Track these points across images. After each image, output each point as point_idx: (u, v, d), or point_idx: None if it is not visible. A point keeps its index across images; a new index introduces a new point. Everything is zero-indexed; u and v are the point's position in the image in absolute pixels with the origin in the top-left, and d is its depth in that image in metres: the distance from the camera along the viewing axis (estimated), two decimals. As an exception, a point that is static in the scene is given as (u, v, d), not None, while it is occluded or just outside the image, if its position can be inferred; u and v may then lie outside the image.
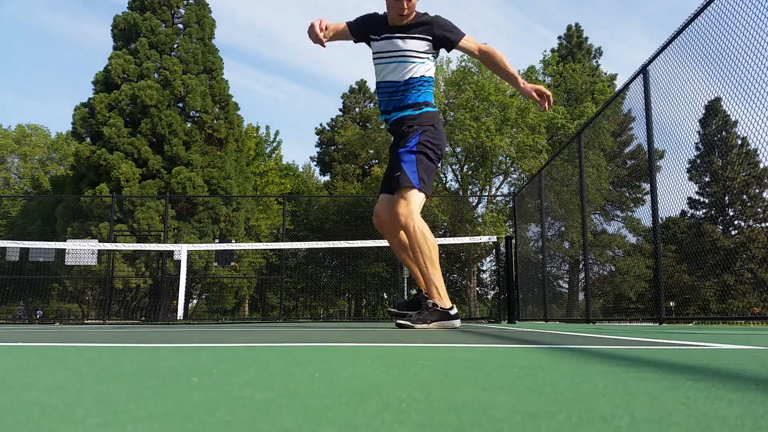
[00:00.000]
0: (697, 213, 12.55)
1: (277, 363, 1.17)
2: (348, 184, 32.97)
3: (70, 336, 2.74)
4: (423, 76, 3.70)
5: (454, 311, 3.65)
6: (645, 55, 6.89)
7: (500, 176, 27.08)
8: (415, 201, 3.53)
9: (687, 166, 7.10)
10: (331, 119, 39.59)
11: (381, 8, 3.78)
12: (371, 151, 30.36)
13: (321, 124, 39.85)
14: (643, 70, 6.63)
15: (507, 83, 26.45)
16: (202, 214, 21.04)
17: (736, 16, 4.98)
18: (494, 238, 9.20)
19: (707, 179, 10.54)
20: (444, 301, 3.63)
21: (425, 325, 3.50)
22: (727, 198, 11.33)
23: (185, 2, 23.29)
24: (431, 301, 3.62)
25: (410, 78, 3.66)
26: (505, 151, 24.37)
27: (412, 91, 3.68)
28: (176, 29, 22.78)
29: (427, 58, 3.72)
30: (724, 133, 7.71)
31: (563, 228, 11.94)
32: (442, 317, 3.57)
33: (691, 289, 7.23)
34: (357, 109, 38.32)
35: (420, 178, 3.54)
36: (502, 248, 9.12)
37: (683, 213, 9.19)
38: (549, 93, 3.62)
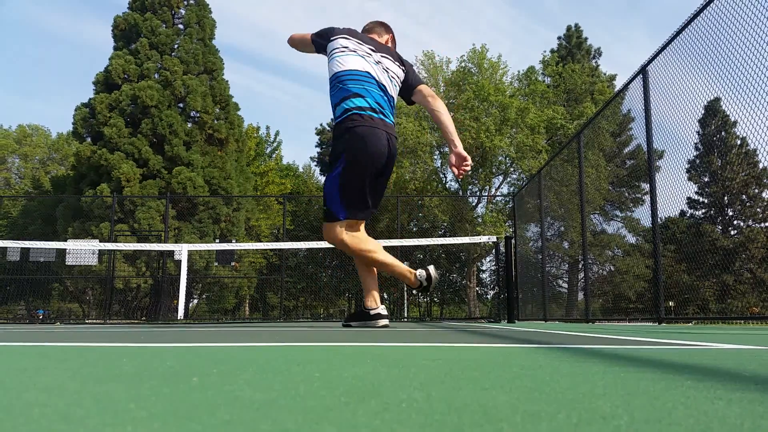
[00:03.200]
0: (697, 213, 12.55)
1: (277, 363, 1.17)
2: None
3: (70, 336, 2.74)
4: None
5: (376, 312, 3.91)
6: (646, 56, 6.89)
7: (500, 176, 27.09)
8: None
9: (686, 166, 7.10)
10: (332, 119, 39.57)
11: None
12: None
13: (321, 124, 39.86)
14: (643, 71, 6.63)
15: (507, 84, 26.37)
16: (202, 214, 21.04)
17: (735, 16, 4.98)
18: (494, 238, 9.20)
19: (707, 179, 10.54)
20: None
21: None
22: (726, 198, 11.33)
23: (185, 3, 23.29)
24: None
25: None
26: (504, 151, 24.37)
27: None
28: (176, 30, 22.78)
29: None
30: (723, 133, 7.71)
31: (563, 228, 11.93)
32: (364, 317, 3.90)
33: (691, 288, 7.23)
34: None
35: None
36: (501, 248, 9.12)
37: (682, 213, 9.20)
38: (468, 163, 3.64)
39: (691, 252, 7.48)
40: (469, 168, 3.64)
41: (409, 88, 3.78)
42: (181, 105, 22.10)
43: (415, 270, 3.80)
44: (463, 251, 24.90)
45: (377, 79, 3.63)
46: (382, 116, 3.56)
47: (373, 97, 3.57)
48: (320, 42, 3.81)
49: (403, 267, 3.81)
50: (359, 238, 3.68)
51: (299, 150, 71.43)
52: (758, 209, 11.90)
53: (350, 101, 3.54)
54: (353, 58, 3.65)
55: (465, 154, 3.62)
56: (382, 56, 3.74)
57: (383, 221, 24.79)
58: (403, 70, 3.80)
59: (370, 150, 3.44)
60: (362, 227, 3.78)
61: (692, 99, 5.86)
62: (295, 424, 0.52)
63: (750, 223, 12.58)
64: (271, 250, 19.67)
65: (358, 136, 3.45)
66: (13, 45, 68.65)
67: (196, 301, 23.40)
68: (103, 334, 2.92)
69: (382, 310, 3.87)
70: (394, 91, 3.74)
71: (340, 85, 3.60)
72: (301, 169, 39.29)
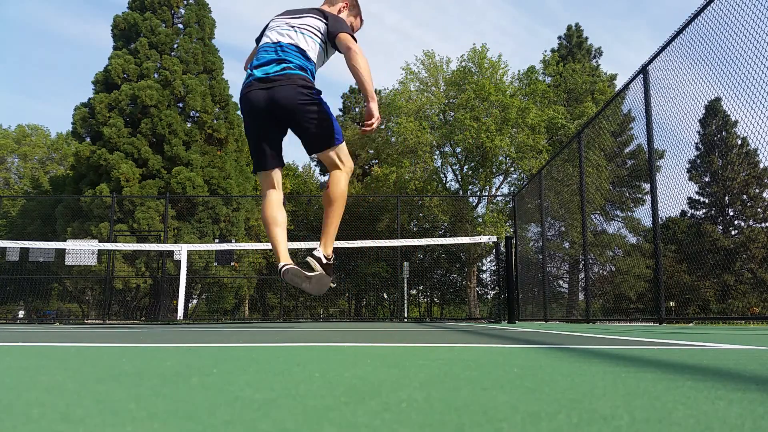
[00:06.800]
0: (697, 213, 12.55)
1: (277, 363, 1.17)
2: (348, 184, 32.98)
3: (70, 336, 2.74)
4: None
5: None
6: (647, 56, 6.89)
7: (500, 176, 27.09)
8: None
9: (687, 166, 7.09)
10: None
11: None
12: (371, 151, 30.34)
13: (321, 124, 39.81)
14: (643, 70, 6.63)
15: (507, 84, 26.36)
16: (202, 214, 21.04)
17: (736, 16, 4.98)
18: (494, 238, 9.20)
19: (707, 179, 10.54)
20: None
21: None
22: (727, 198, 11.33)
23: (185, 2, 23.30)
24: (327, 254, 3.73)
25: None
26: (505, 151, 24.37)
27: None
28: (176, 29, 22.78)
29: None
30: (724, 133, 7.71)
31: (563, 228, 11.93)
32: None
33: (691, 289, 7.22)
34: (357, 109, 38.37)
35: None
36: (502, 248, 9.12)
37: (683, 213, 9.19)
38: (373, 123, 3.57)
39: (691, 252, 7.48)
40: (372, 127, 3.56)
41: (331, 36, 3.84)
42: (180, 105, 22.10)
43: (285, 265, 3.59)
44: (463, 251, 24.89)
45: (274, 40, 3.83)
46: (261, 71, 3.74)
47: (258, 60, 3.81)
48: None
49: (280, 249, 3.70)
50: (265, 200, 3.83)
51: (299, 150, 71.44)
52: (759, 209, 11.91)
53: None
54: (266, 35, 3.93)
55: (374, 111, 3.56)
56: (297, 17, 3.91)
57: (383, 221, 24.79)
58: (324, 22, 3.89)
59: (246, 109, 3.75)
60: (274, 187, 3.83)
61: (693, 99, 5.86)
62: (295, 424, 0.52)
63: (751, 223, 12.58)
64: (270, 250, 19.66)
65: (240, 101, 3.81)
66: (12, 44, 68.66)
67: (195, 301, 23.41)
68: (102, 334, 2.92)
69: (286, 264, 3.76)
70: (306, 42, 3.82)
71: None
72: (300, 169, 39.31)
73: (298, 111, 3.68)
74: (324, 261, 3.65)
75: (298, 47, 3.79)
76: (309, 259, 3.66)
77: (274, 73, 3.70)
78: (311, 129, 3.72)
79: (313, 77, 3.86)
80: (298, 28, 3.86)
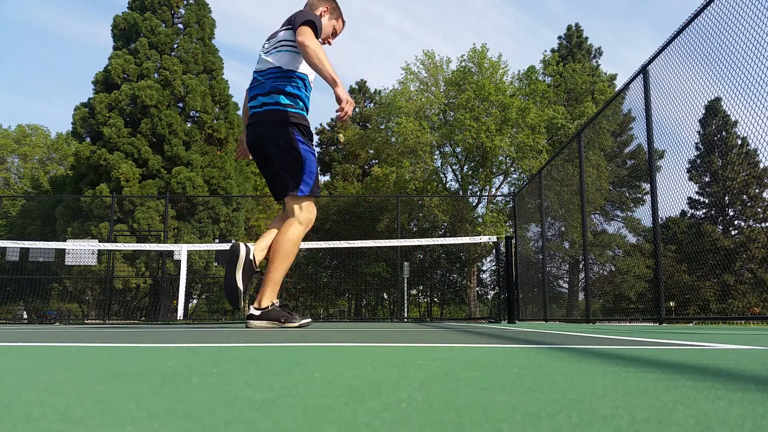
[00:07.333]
0: (697, 213, 12.55)
1: (277, 363, 1.17)
2: (348, 184, 32.98)
3: (70, 336, 2.74)
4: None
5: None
6: (647, 56, 6.89)
7: (500, 176, 27.08)
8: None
9: (687, 166, 7.09)
10: (331, 119, 39.66)
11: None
12: (371, 151, 30.33)
13: (321, 124, 39.90)
14: (643, 70, 6.63)
15: (507, 84, 26.34)
16: (202, 214, 21.04)
17: (736, 16, 4.98)
18: (494, 238, 9.20)
19: (707, 179, 10.55)
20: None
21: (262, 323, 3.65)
22: (727, 198, 11.33)
23: (185, 2, 23.29)
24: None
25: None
26: (505, 151, 24.37)
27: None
28: (176, 29, 22.78)
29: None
30: (724, 133, 7.71)
31: (563, 228, 11.93)
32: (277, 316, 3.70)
33: (691, 289, 7.22)
34: (357, 109, 38.35)
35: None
36: (502, 248, 9.13)
37: (683, 213, 9.20)
38: (345, 107, 3.44)
39: (691, 252, 7.48)
40: (346, 111, 3.44)
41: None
42: (180, 105, 22.10)
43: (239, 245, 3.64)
44: (463, 251, 24.89)
45: (258, 69, 3.88)
46: (253, 104, 3.80)
47: (254, 90, 3.84)
48: None
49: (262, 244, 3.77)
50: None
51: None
52: (759, 209, 11.90)
53: None
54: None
55: (341, 95, 3.44)
56: (276, 34, 3.91)
57: (383, 221, 24.78)
58: (289, 28, 3.82)
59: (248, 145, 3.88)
60: (284, 216, 3.80)
61: (693, 99, 5.87)
62: (295, 424, 0.52)
63: (751, 223, 12.58)
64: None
65: None
66: (12, 44, 68.67)
67: (195, 301, 23.40)
68: (102, 334, 2.92)
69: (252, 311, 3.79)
70: (281, 57, 3.78)
71: None
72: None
73: (271, 152, 3.63)
74: (257, 313, 3.61)
75: (275, 67, 3.75)
76: (249, 323, 3.65)
77: (261, 108, 3.73)
78: (277, 171, 3.65)
79: (298, 97, 3.76)
80: (273, 48, 3.84)
